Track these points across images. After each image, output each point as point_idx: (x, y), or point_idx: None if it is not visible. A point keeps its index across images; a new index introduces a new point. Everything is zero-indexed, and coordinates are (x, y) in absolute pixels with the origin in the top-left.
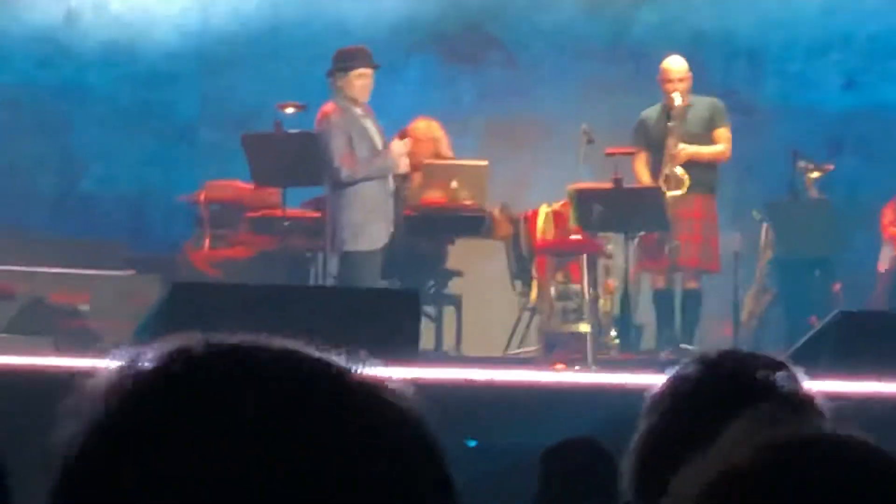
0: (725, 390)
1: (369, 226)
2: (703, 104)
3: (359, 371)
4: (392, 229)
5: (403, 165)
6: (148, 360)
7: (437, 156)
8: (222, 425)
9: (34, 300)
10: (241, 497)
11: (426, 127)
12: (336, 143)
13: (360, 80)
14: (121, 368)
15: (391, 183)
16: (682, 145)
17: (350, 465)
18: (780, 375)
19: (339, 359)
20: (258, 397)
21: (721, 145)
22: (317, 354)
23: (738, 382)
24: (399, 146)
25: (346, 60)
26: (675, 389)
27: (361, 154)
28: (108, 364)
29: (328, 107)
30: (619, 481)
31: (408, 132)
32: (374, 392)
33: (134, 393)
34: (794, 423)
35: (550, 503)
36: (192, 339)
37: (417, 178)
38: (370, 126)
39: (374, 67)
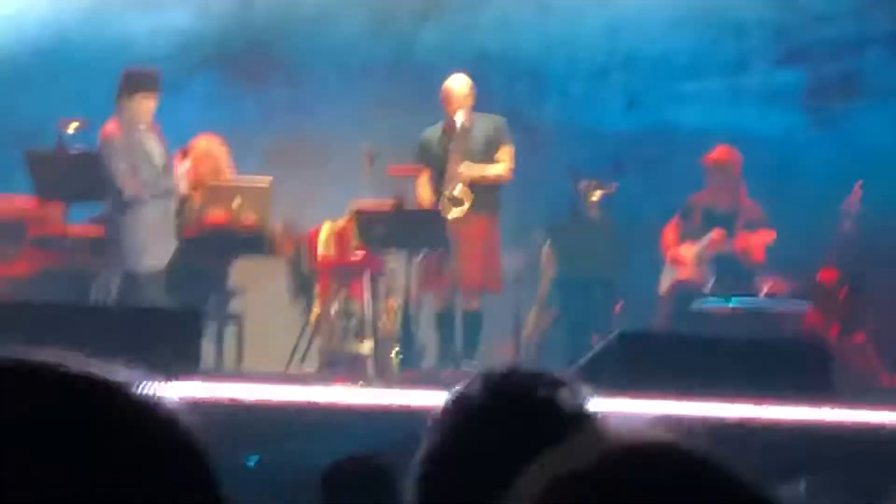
0: (509, 408)
1: (152, 245)
2: (486, 122)
3: (131, 385)
4: (174, 248)
5: (183, 186)
6: None
7: (218, 174)
8: None
9: None
10: None
11: (206, 145)
12: (118, 165)
13: (145, 103)
14: None
15: (173, 202)
16: (463, 165)
17: (115, 481)
18: (562, 393)
19: (114, 373)
20: (20, 408)
21: (503, 164)
22: (87, 367)
23: (522, 400)
24: (180, 168)
25: (131, 83)
26: (458, 407)
27: (144, 174)
28: None
29: (111, 126)
30: (399, 499)
31: (188, 150)
32: (143, 407)
33: None
34: (579, 441)
35: None
36: None
37: (198, 196)
38: (153, 145)
39: (159, 91)
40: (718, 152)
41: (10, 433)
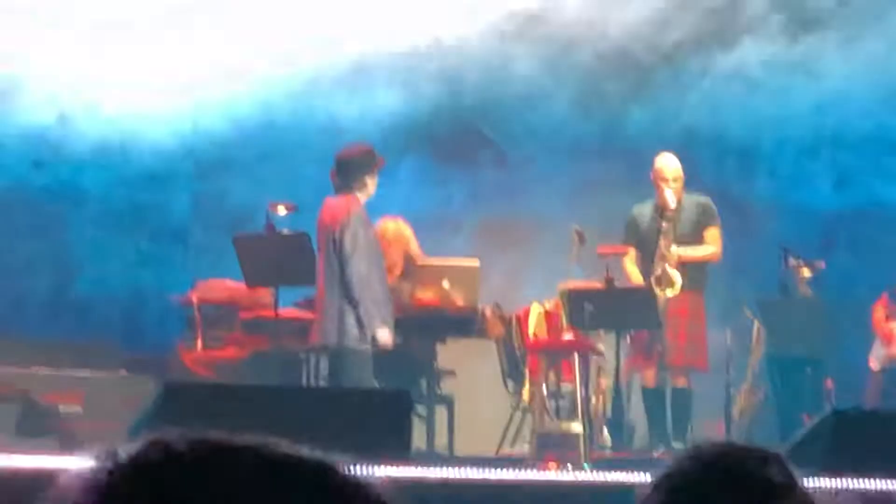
0: (719, 483)
1: (366, 326)
2: (693, 203)
3: (341, 469)
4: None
5: (384, 341)
6: (126, 452)
7: (407, 255)
8: None
9: (28, 402)
10: None
11: (395, 227)
12: (363, 241)
13: (374, 183)
14: (98, 461)
15: (385, 284)
16: (674, 247)
17: None
18: (774, 468)
19: (325, 457)
20: (231, 489)
21: (711, 246)
22: (297, 450)
23: (732, 475)
24: (385, 335)
25: (373, 161)
26: (668, 483)
27: (366, 256)
28: (89, 460)
29: (352, 203)
30: None
31: (378, 234)
32: (351, 489)
33: (109, 483)
34: None
35: None
36: (169, 433)
37: (390, 278)
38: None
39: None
40: None
41: None
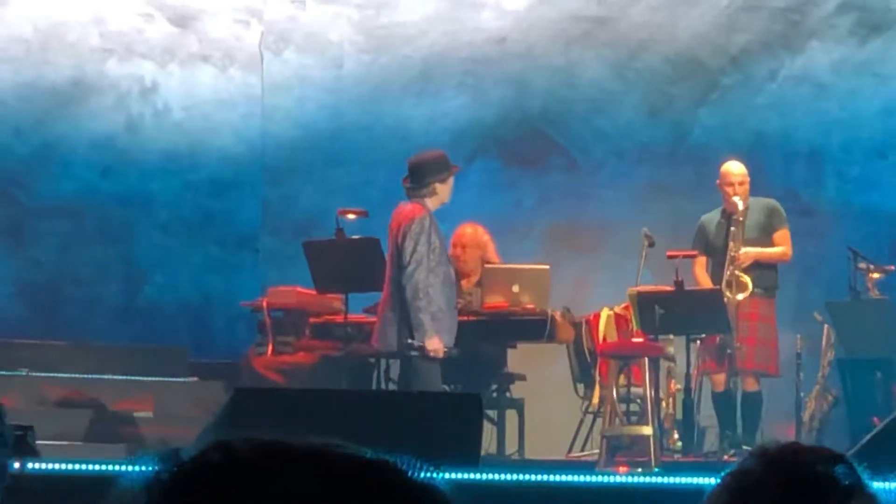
0: (785, 484)
1: (436, 331)
2: (760, 206)
3: (405, 470)
4: (454, 333)
5: (434, 350)
6: (188, 455)
7: (485, 261)
8: None
9: (99, 408)
10: None
11: (472, 233)
12: (424, 248)
13: (449, 187)
14: (161, 463)
15: (454, 287)
16: (744, 249)
17: None
18: (841, 469)
19: (389, 458)
20: (293, 491)
21: (781, 247)
22: (361, 452)
23: (798, 476)
24: (435, 345)
25: (447, 165)
26: (734, 484)
27: (434, 260)
28: (153, 462)
29: (417, 210)
30: None
31: (455, 238)
32: (416, 491)
33: (170, 484)
34: None
35: None
36: (234, 437)
37: (467, 283)
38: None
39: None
40: None
41: None
